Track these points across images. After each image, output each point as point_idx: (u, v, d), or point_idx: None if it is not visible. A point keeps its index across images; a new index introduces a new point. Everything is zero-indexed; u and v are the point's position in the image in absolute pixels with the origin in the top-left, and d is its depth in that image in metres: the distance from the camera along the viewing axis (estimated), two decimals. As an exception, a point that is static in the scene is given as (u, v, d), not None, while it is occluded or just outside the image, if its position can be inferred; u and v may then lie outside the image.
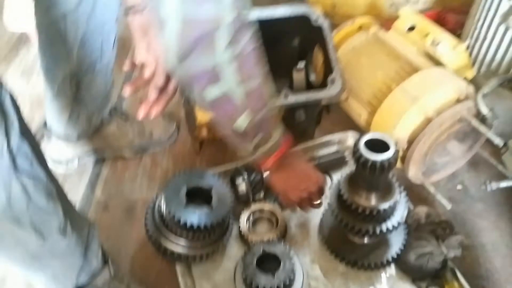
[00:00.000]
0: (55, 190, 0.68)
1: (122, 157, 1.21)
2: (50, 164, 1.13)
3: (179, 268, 0.91)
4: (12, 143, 0.58)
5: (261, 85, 0.70)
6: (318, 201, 0.96)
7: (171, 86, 0.85)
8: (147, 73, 0.84)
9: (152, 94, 0.84)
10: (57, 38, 0.93)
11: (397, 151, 0.77)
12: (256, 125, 0.73)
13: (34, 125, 1.29)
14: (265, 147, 0.80)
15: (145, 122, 1.21)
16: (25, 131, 0.62)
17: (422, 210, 0.96)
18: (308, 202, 0.94)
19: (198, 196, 0.91)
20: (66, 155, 1.16)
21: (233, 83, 0.65)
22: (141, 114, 0.84)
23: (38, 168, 0.64)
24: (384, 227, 0.85)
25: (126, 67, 0.86)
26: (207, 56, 0.60)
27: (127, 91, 0.84)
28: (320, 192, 0.94)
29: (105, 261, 0.86)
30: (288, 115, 1.06)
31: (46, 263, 0.73)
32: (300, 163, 0.93)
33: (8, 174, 0.59)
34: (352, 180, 0.86)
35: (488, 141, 1.03)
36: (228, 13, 0.56)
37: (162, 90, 0.85)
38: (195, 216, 0.85)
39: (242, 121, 0.70)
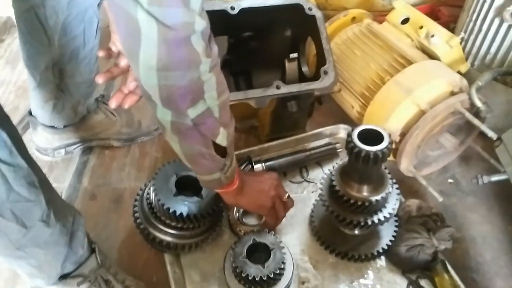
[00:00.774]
0: (37, 179, 0.66)
1: (110, 146, 1.18)
2: (36, 153, 1.13)
3: (167, 257, 0.90)
4: None
5: (228, 99, 0.65)
6: (286, 195, 0.91)
7: None
8: (123, 62, 0.81)
9: (131, 85, 0.81)
10: (36, 25, 0.91)
11: (390, 143, 0.76)
12: (231, 139, 0.69)
13: (19, 114, 1.28)
14: (232, 166, 0.73)
15: (134, 111, 1.18)
16: (2, 118, 0.60)
17: (413, 203, 0.96)
18: (280, 200, 0.89)
19: (188, 186, 0.89)
20: (52, 144, 1.13)
21: (214, 96, 0.59)
22: (113, 103, 0.80)
23: (18, 157, 0.61)
24: (375, 218, 0.85)
25: (100, 53, 0.82)
26: (191, 64, 0.53)
27: (100, 78, 0.80)
28: (281, 184, 0.92)
29: (92, 249, 0.84)
30: (280, 106, 1.04)
31: (30, 253, 0.71)
32: (248, 173, 0.93)
33: None
34: (345, 172, 0.85)
35: (480, 135, 1.04)
36: (198, 20, 0.50)
37: None
38: (184, 206, 0.84)
39: (222, 136, 0.65)
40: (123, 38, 0.52)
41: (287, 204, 0.92)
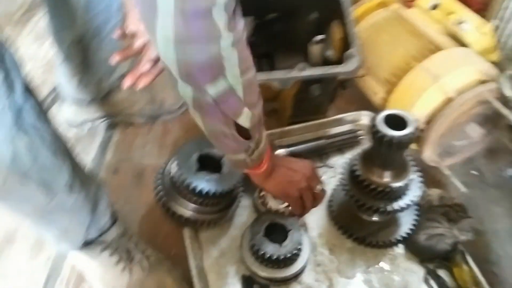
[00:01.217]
0: (62, 147, 0.68)
1: (133, 123, 1.20)
2: (62, 127, 1.16)
3: (186, 232, 0.92)
4: (16, 98, 0.58)
5: (255, 77, 0.61)
6: (320, 187, 0.87)
7: None
8: (137, 44, 0.81)
9: (145, 66, 0.81)
10: (61, 1, 0.92)
11: (416, 128, 0.75)
12: (256, 121, 0.65)
13: (47, 88, 1.31)
14: (259, 149, 0.69)
15: (158, 90, 1.20)
16: (27, 88, 0.61)
17: (435, 192, 0.95)
18: (310, 192, 0.85)
19: (209, 163, 0.90)
20: (77, 119, 1.16)
21: (237, 73, 0.56)
22: (126, 83, 0.79)
23: (44, 125, 0.63)
24: (396, 205, 0.84)
25: (115, 35, 0.82)
26: (211, 38, 0.50)
27: (114, 58, 0.81)
28: (316, 175, 0.86)
29: (114, 220, 0.86)
30: (303, 90, 1.04)
31: (55, 218, 0.73)
32: (282, 158, 0.87)
33: (11, 130, 0.58)
34: (367, 157, 0.85)
35: (508, 126, 1.01)
36: None
37: (156, 61, 0.82)
38: (205, 182, 0.85)
39: (245, 117, 0.61)
40: (140, 9, 0.51)
41: (318, 196, 0.86)
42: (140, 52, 0.82)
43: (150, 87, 1.14)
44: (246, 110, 0.61)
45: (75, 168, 0.72)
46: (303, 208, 0.86)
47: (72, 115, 1.15)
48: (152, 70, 0.80)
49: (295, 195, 0.82)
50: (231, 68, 0.54)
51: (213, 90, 0.55)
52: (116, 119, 1.19)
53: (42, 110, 0.64)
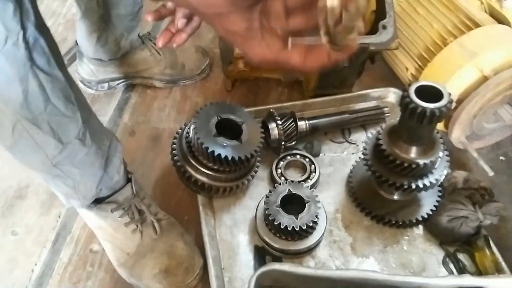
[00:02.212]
0: (74, 96, 0.65)
1: (152, 86, 1.18)
2: (80, 85, 1.14)
3: (200, 198, 0.90)
4: (28, 34, 0.54)
5: None
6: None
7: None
8: (170, 3, 0.78)
9: (179, 22, 0.77)
10: None
11: (450, 102, 0.70)
12: None
13: (66, 45, 1.29)
14: None
15: (179, 53, 1.17)
16: (42, 25, 0.58)
17: (460, 174, 0.90)
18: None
19: (229, 129, 0.87)
20: (96, 76, 1.14)
21: None
22: (160, 41, 0.75)
23: (56, 68, 0.60)
24: (420, 183, 0.80)
25: None
26: None
27: (149, 17, 0.78)
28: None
29: (128, 179, 0.84)
30: (330, 60, 1.00)
31: (66, 171, 0.71)
32: None
33: (25, 67, 0.55)
34: (393, 131, 0.81)
35: (543, 112, 0.96)
36: None
37: (190, 17, 0.79)
38: (222, 148, 0.82)
39: None
40: None
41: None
42: (173, 12, 0.79)
43: (172, 50, 1.11)
44: None
45: (88, 119, 0.69)
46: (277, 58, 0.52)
47: (90, 74, 1.13)
48: (187, 27, 0.77)
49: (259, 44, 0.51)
50: None
51: None
52: (135, 80, 1.17)
53: (55, 52, 0.61)
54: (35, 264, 0.88)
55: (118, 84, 1.16)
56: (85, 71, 1.13)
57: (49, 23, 1.34)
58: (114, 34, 1.06)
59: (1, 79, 0.54)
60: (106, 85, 1.15)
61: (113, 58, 1.10)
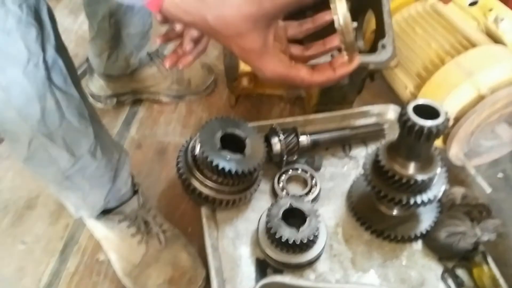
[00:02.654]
0: (88, 112, 0.69)
1: (159, 101, 1.22)
2: (90, 99, 1.18)
3: (204, 211, 0.92)
4: (48, 55, 0.58)
5: None
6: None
7: (205, 39, 0.83)
8: (178, 27, 0.81)
9: (188, 46, 0.81)
10: None
11: (447, 119, 0.73)
12: None
13: (77, 61, 1.33)
14: None
15: (185, 70, 1.20)
16: (61, 46, 0.62)
17: (458, 191, 0.92)
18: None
19: (232, 143, 0.90)
20: (106, 92, 1.18)
21: None
22: (168, 63, 0.76)
23: (72, 86, 0.64)
24: (418, 199, 0.82)
25: (158, 18, 0.82)
26: None
27: (158, 40, 0.79)
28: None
29: (135, 191, 0.87)
30: (332, 78, 1.03)
31: (77, 183, 0.74)
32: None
33: (44, 86, 0.59)
34: (392, 147, 0.83)
35: (540, 131, 0.98)
36: None
37: (197, 41, 0.83)
38: (226, 161, 0.85)
39: None
40: None
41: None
42: (181, 35, 0.82)
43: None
44: None
45: (99, 134, 0.73)
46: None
47: (100, 89, 1.17)
48: (194, 50, 0.80)
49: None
50: None
51: None
52: (143, 96, 1.21)
53: (72, 71, 0.65)
54: (43, 273, 0.90)
55: (126, 99, 1.20)
56: (95, 86, 1.17)
57: (59, 31, 1.40)
58: (124, 52, 1.10)
59: (21, 97, 0.58)
60: (114, 99, 1.19)
61: (122, 74, 1.14)
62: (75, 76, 0.66)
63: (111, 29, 1.05)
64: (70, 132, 0.66)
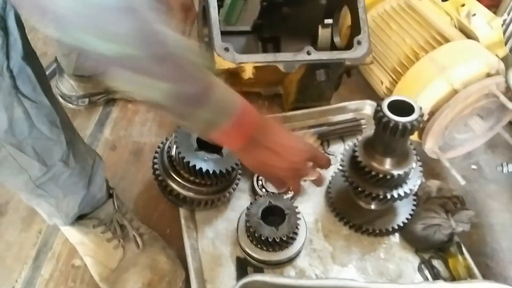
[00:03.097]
0: (59, 119, 0.66)
1: (133, 100, 1.19)
2: (61, 100, 1.14)
3: (182, 212, 0.91)
4: (12, 64, 0.56)
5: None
6: (314, 177, 0.82)
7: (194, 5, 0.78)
8: None
9: (179, 14, 0.77)
10: None
11: (421, 116, 0.74)
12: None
13: (46, 60, 1.28)
14: (204, 113, 0.57)
15: None
16: (29, 54, 0.59)
17: (434, 184, 0.94)
18: (296, 180, 0.78)
19: (209, 144, 0.89)
20: (77, 92, 1.14)
21: None
22: None
23: (41, 94, 0.61)
24: (395, 193, 0.83)
25: None
26: None
27: None
28: (317, 161, 0.77)
29: (109, 194, 0.85)
30: (308, 74, 1.03)
31: (49, 191, 0.72)
32: (279, 132, 0.70)
33: (10, 95, 0.57)
34: (369, 143, 0.84)
35: (510, 123, 1.01)
36: None
37: (187, 9, 0.77)
38: (204, 162, 0.84)
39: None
40: None
41: (316, 181, 0.84)
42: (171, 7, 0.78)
43: None
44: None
45: (72, 140, 0.71)
46: (285, 187, 0.79)
47: (70, 90, 1.13)
48: (187, 19, 0.76)
49: (275, 177, 0.75)
50: None
51: None
52: (116, 95, 1.18)
53: (42, 79, 0.62)
54: (16, 281, 0.87)
55: (99, 99, 1.16)
56: (65, 86, 1.13)
57: (28, 37, 1.35)
58: None
59: None
60: (86, 100, 1.15)
61: (93, 74, 1.11)
62: (45, 84, 0.63)
63: None
64: (40, 141, 0.64)
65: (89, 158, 0.77)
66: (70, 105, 1.15)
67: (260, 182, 0.98)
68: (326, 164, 0.80)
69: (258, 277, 0.78)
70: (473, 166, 1.08)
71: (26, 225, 0.95)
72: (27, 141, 0.62)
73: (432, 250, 0.90)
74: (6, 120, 0.57)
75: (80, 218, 0.83)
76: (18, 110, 0.58)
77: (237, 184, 0.95)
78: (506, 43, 1.08)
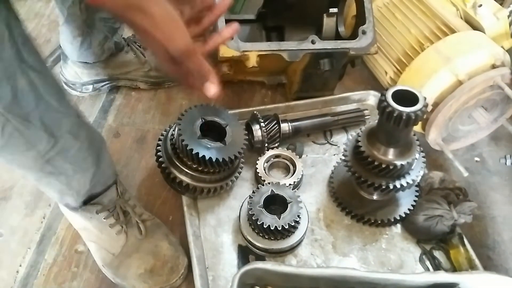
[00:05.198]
0: (66, 95, 0.65)
1: (137, 88, 1.19)
2: (65, 87, 1.14)
3: (185, 199, 0.91)
4: (15, 34, 0.54)
5: None
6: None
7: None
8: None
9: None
10: None
11: (425, 106, 0.73)
12: None
13: (50, 47, 1.29)
14: None
15: None
16: (27, 37, 0.58)
17: (436, 175, 0.94)
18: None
19: (213, 131, 0.89)
20: (81, 79, 1.14)
21: None
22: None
23: (45, 67, 0.60)
24: (397, 183, 0.83)
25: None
26: None
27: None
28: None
29: (113, 181, 0.85)
30: (312, 64, 1.02)
31: (59, 167, 0.70)
32: None
33: (11, 66, 0.55)
34: (372, 133, 0.84)
35: (515, 116, 1.00)
36: None
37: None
38: (207, 149, 0.84)
39: None
40: None
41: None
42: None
43: None
44: None
45: (80, 115, 0.70)
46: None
47: (74, 76, 1.14)
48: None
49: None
50: None
51: None
52: (119, 82, 1.18)
53: (42, 58, 0.61)
54: (20, 265, 0.88)
55: (102, 86, 1.17)
56: (69, 73, 1.14)
57: (32, 24, 1.35)
58: (97, 38, 1.06)
59: None
60: (90, 87, 1.15)
61: (97, 61, 1.11)
62: (45, 62, 0.62)
63: (82, 14, 1.01)
64: (49, 112, 0.62)
65: (97, 137, 0.77)
66: (74, 92, 1.15)
67: (263, 171, 0.98)
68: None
69: (259, 264, 0.78)
70: (476, 158, 1.08)
71: (30, 210, 0.96)
72: (34, 112, 0.60)
73: (433, 241, 0.90)
74: (10, 90, 0.56)
75: (84, 204, 0.83)
76: (22, 81, 0.57)
77: (239, 173, 0.95)
78: (510, 35, 1.06)
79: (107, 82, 1.16)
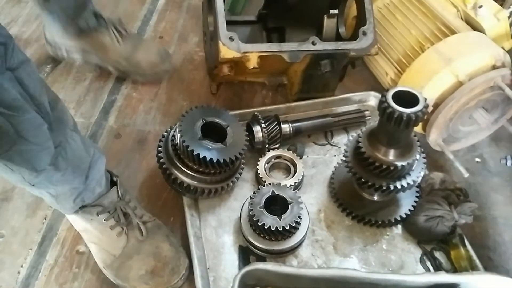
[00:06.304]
0: (48, 125, 0.64)
1: (137, 89, 1.19)
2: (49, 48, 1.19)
3: (186, 200, 0.91)
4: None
5: None
6: None
7: None
8: None
9: None
10: None
11: (425, 107, 0.74)
12: None
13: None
14: None
15: (140, 50, 1.18)
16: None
17: (437, 176, 0.94)
18: None
19: (213, 132, 0.90)
20: (65, 44, 1.18)
21: None
22: None
23: (24, 108, 0.59)
24: (398, 184, 0.83)
25: None
26: None
27: None
28: None
29: (113, 182, 0.85)
30: (313, 65, 1.02)
31: (44, 188, 0.73)
32: None
33: None
34: (373, 134, 0.84)
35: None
36: None
37: None
38: (208, 150, 0.84)
39: None
40: None
41: None
42: None
43: (135, 44, 1.18)
44: None
45: (62, 143, 0.69)
46: None
47: (58, 38, 1.18)
48: None
49: None
50: None
51: None
52: (89, 58, 1.20)
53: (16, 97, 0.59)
54: (22, 266, 0.89)
55: (102, 87, 1.18)
56: (51, 34, 1.19)
57: (33, 26, 1.35)
58: (60, 22, 1.11)
59: None
60: (77, 56, 1.20)
61: (75, 34, 1.14)
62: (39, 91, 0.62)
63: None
64: (27, 147, 0.62)
65: (87, 156, 0.77)
66: (59, 53, 1.20)
67: (264, 171, 0.98)
68: None
69: (260, 265, 0.79)
70: (477, 159, 1.08)
71: (31, 211, 0.96)
72: (13, 149, 0.60)
73: (434, 242, 0.90)
74: None
75: (84, 206, 0.83)
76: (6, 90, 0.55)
77: (240, 174, 0.95)
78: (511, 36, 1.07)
79: (80, 52, 1.19)
